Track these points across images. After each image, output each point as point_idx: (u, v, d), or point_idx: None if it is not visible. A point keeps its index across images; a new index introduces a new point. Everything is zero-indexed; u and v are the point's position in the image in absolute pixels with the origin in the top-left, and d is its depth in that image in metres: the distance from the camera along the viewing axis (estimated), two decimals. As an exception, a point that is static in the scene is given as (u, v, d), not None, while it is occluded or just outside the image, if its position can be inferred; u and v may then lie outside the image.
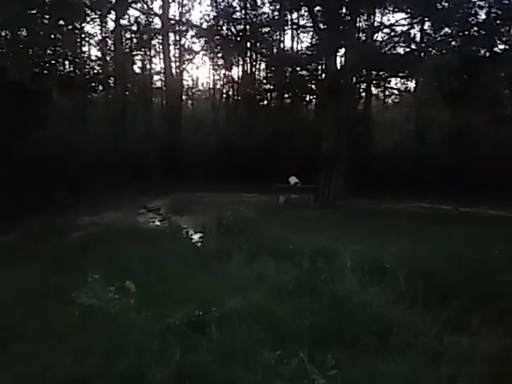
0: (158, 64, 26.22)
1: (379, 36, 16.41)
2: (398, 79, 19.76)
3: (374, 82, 19.85)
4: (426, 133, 19.09)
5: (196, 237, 9.49)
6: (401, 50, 15.51)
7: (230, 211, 11.18)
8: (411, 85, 20.82)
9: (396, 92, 22.16)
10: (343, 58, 15.49)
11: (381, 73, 17.29)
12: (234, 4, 19.65)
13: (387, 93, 22.77)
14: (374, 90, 22.21)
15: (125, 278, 5.67)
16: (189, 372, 3.54)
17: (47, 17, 13.77)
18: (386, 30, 15.68)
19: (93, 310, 4.85)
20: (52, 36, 13.20)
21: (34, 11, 12.85)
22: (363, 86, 20.90)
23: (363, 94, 21.71)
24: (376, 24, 15.90)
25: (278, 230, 8.94)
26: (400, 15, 17.36)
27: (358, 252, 6.67)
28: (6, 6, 10.56)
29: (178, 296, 5.21)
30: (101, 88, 22.47)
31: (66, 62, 17.47)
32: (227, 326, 4.24)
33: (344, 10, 14.58)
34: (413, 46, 15.26)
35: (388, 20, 16.89)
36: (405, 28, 15.30)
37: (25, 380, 3.60)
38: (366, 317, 4.34)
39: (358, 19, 15.32)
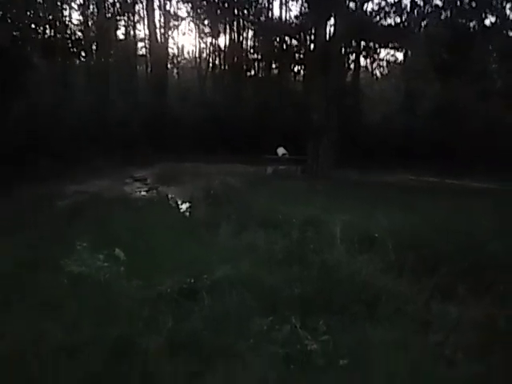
0: (142, 30, 25.45)
1: (370, 6, 16.14)
2: (388, 50, 19.58)
3: (364, 52, 19.61)
4: (414, 105, 19.07)
5: (184, 206, 9.45)
6: (391, 21, 15.31)
7: (217, 181, 11.13)
8: (401, 56, 20.71)
9: (385, 63, 22.00)
10: (332, 28, 15.19)
11: (370, 43, 17.08)
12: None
13: (376, 64, 22.59)
14: (362, 62, 22.00)
15: (113, 246, 5.61)
16: (181, 340, 3.55)
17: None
18: (376, 0, 15.41)
19: (82, 278, 4.81)
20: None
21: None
22: (352, 56, 20.65)
23: (352, 66, 21.46)
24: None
25: (266, 201, 8.93)
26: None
27: (347, 222, 6.71)
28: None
29: (168, 264, 5.20)
30: (83, 54, 21.81)
31: (47, 26, 16.81)
32: (218, 294, 4.26)
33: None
34: (404, 17, 15.06)
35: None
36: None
37: (15, 349, 3.58)
38: (355, 286, 4.40)
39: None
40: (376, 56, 20.54)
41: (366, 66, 22.52)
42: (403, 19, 14.89)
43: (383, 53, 20.65)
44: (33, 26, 14.18)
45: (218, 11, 19.92)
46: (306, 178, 13.03)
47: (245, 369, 3.13)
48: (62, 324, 3.88)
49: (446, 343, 3.41)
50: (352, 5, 16.30)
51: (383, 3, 15.06)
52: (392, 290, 4.32)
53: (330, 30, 15.98)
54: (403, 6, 15.30)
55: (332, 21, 15.38)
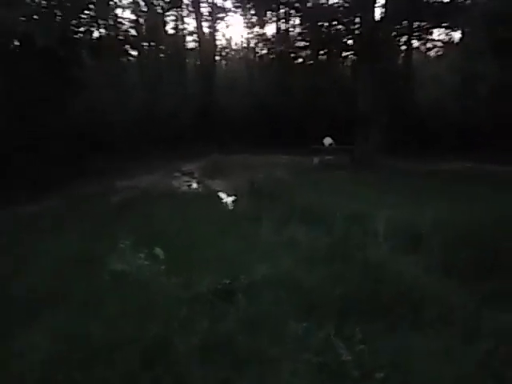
0: (190, 24, 25.68)
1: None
2: (442, 30, 18.40)
3: (416, 33, 18.58)
4: (472, 87, 17.81)
5: (228, 200, 9.45)
6: (444, -1, 14.30)
7: (263, 173, 11.05)
8: (457, 36, 19.42)
9: (439, 44, 20.69)
10: (382, 10, 14.47)
11: (423, 24, 16.12)
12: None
13: (429, 45, 21.29)
14: (415, 43, 20.84)
15: (156, 243, 5.70)
16: (216, 342, 3.53)
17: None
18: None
19: (124, 276, 4.93)
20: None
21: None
22: (403, 38, 19.62)
23: (403, 48, 20.43)
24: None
25: (311, 194, 8.73)
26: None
27: (395, 216, 6.38)
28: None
29: (207, 262, 5.20)
30: (135, 53, 22.41)
31: (98, 25, 17.36)
32: (255, 295, 4.19)
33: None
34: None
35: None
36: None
37: (60, 345, 3.72)
38: (399, 287, 4.15)
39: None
40: (429, 36, 19.44)
41: (418, 48, 21.39)
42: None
43: (437, 33, 19.52)
44: (83, 26, 14.63)
45: (264, 0, 19.61)
46: (354, 169, 12.59)
47: (276, 376, 3.04)
48: (102, 322, 3.98)
49: (495, 355, 3.11)
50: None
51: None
52: (439, 294, 4.04)
53: (379, 12, 15.34)
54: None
55: (381, 2, 14.73)
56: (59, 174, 12.33)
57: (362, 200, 7.93)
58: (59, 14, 11.85)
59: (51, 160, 12.55)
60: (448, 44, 20.23)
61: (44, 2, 12.24)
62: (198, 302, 4.17)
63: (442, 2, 14.10)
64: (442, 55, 21.67)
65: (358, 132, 13.75)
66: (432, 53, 22.05)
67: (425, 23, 16.06)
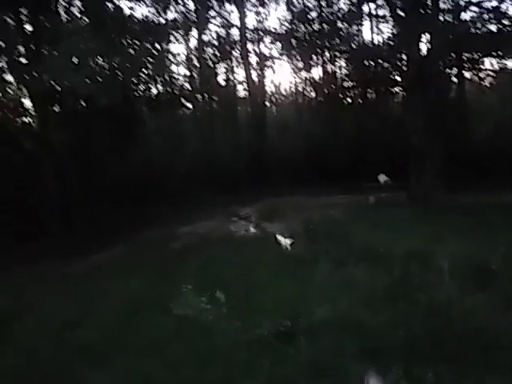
0: (239, 74, 26.94)
1: (467, 15, 15.07)
2: (493, 59, 17.94)
3: (466, 65, 18.26)
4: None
5: (285, 242, 9.48)
6: (493, 28, 14.05)
7: (318, 214, 11.04)
8: (510, 64, 18.84)
9: (492, 73, 20.13)
10: (428, 44, 14.45)
11: (472, 54, 15.85)
12: (309, 5, 19.46)
13: (482, 75, 20.75)
14: (466, 74, 20.41)
15: (216, 287, 5.84)
16: (277, 385, 3.52)
17: (136, 42, 14.89)
18: (473, 8, 14.31)
19: (187, 320, 5.08)
20: (141, 60, 14.14)
21: (124, 38, 13.97)
22: (454, 70, 19.33)
23: (455, 79, 20.08)
24: (462, 3, 14.55)
25: (367, 232, 8.59)
26: (488, -10, 15.75)
27: (458, 253, 6.14)
28: (97, 35, 11.59)
29: (267, 305, 5.24)
30: (190, 105, 23.73)
31: (154, 83, 18.62)
32: (315, 338, 4.16)
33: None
34: (505, 22, 13.72)
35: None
36: (494, 3, 13.87)
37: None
38: (470, 328, 3.95)
39: (440, 0, 14.15)
40: (481, 66, 18.98)
41: (470, 79, 20.90)
42: (505, 24, 13.55)
43: (488, 62, 19.05)
44: (142, 84, 15.82)
45: (309, 45, 20.29)
46: (411, 205, 12.22)
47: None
48: (165, 365, 4.11)
49: None
50: (447, 17, 15.49)
51: (481, 10, 13.90)
52: (513, 335, 3.79)
53: (426, 47, 15.33)
54: (504, 9, 14.00)
55: (426, 37, 14.74)
56: (124, 221, 13.04)
57: (422, 237, 7.68)
58: (120, 74, 12.94)
59: (116, 208, 13.35)
60: (502, 72, 19.62)
61: (106, 65, 13.46)
62: (258, 344, 4.19)
63: (491, 31, 13.87)
64: (495, 84, 21.03)
65: (412, 167, 13.44)
66: (485, 82, 21.45)
67: (474, 54, 15.80)
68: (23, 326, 5.90)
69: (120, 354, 4.47)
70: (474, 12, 14.20)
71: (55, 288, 7.92)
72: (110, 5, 14.58)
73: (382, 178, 14.53)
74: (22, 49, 13.36)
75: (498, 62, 18.76)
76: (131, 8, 15.94)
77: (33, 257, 10.70)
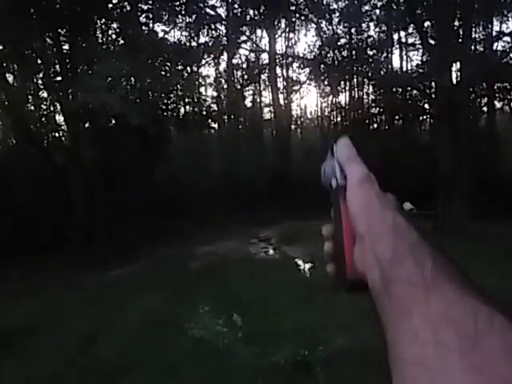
0: (266, 97, 27.32)
1: (499, 45, 14.96)
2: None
3: (497, 94, 17.99)
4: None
5: (305, 267, 9.37)
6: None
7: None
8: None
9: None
10: (459, 73, 14.36)
11: (504, 84, 15.63)
12: (339, 31, 19.67)
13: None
14: (497, 104, 20.12)
15: (234, 309, 5.79)
16: (293, 417, 3.41)
17: (168, 64, 15.33)
18: (505, 39, 14.20)
19: (203, 342, 5.02)
20: (172, 81, 14.51)
21: (156, 60, 14.41)
22: (484, 100, 19.09)
23: (485, 109, 19.79)
24: (494, 33, 14.50)
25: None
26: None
27: (489, 286, 5.90)
28: (131, 57, 11.98)
29: (285, 332, 5.13)
30: (216, 126, 24.11)
31: (183, 103, 19.03)
32: (334, 368, 4.03)
33: (456, 23, 13.61)
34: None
35: (508, 28, 15.38)
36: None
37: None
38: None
39: (472, 30, 14.13)
40: (512, 96, 18.70)
41: (501, 108, 20.56)
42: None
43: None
44: (172, 105, 16.17)
45: (337, 71, 20.41)
46: (437, 234, 11.93)
47: None
48: (179, 387, 4.05)
49: None
50: (478, 46, 15.42)
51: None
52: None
53: (456, 75, 15.22)
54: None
55: (457, 65, 14.66)
56: (145, 237, 13.17)
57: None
58: (151, 94, 13.29)
59: (138, 224, 13.51)
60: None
61: (138, 85, 13.86)
62: (275, 372, 4.09)
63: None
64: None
65: (440, 197, 13.18)
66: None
67: (506, 84, 15.59)
68: (41, 338, 5.94)
69: (134, 372, 4.44)
70: (507, 42, 14.08)
71: (72, 300, 8.01)
72: (144, 28, 15.14)
73: (407, 206, 14.23)
74: (57, 67, 13.90)
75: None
76: (165, 31, 16.53)
77: (54, 268, 10.87)
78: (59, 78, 14.00)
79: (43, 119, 16.30)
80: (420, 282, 0.38)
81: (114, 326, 6.21)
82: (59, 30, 13.62)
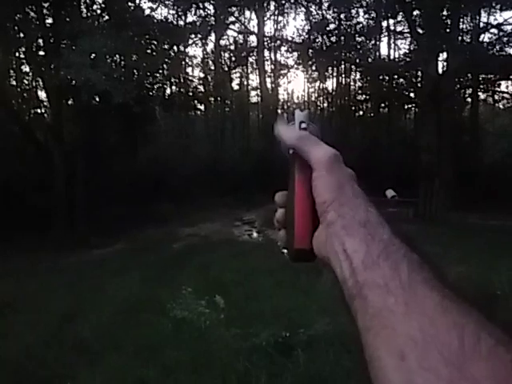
0: (254, 80, 27.07)
1: (485, 37, 15.05)
2: (509, 82, 17.87)
3: (482, 86, 18.18)
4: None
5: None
6: (511, 51, 14.00)
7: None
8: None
9: (507, 96, 20.02)
10: (445, 63, 14.45)
11: (489, 76, 15.77)
12: (328, 16, 19.50)
13: (497, 97, 20.65)
14: (481, 95, 20.32)
15: (216, 291, 5.80)
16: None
17: (154, 42, 15.01)
18: (493, 30, 14.27)
19: (184, 323, 5.03)
20: (158, 60, 14.23)
21: (142, 38, 14.09)
22: (469, 91, 19.28)
23: (469, 100, 20.02)
24: (482, 25, 14.55)
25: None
26: (508, 13, 15.74)
27: (462, 275, 6.05)
28: (116, 33, 11.68)
29: (266, 314, 5.18)
30: (202, 108, 23.85)
31: (170, 83, 18.74)
32: (314, 351, 4.09)
33: (445, 13, 13.61)
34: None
35: (495, 20, 15.45)
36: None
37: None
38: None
39: (460, 21, 14.15)
40: (496, 88, 18.88)
41: (485, 100, 20.80)
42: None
43: (504, 84, 18.95)
44: (157, 84, 15.91)
45: (325, 57, 20.31)
46: (418, 222, 12.12)
47: None
48: (159, 370, 4.05)
49: None
50: (466, 37, 15.50)
51: (501, 33, 13.84)
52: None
53: (442, 65, 15.30)
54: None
55: (443, 55, 14.74)
56: (128, 218, 13.07)
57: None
58: (136, 73, 13.03)
59: (121, 204, 13.39)
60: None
61: (123, 63, 13.55)
62: (256, 354, 4.13)
63: (510, 54, 13.79)
64: (510, 107, 20.91)
65: (421, 185, 13.38)
66: (500, 105, 21.36)
67: (491, 75, 15.72)
68: (19, 316, 5.88)
69: (113, 353, 4.42)
70: (493, 34, 14.17)
71: (52, 279, 7.93)
72: (131, 4, 14.74)
73: (390, 192, 14.43)
74: (40, 41, 13.48)
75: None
76: (151, 8, 16.13)
77: (32, 247, 10.71)
78: (42, 53, 13.58)
79: (25, 94, 15.86)
80: (398, 291, 0.36)
81: (93, 306, 6.16)
82: (42, 3, 13.17)
